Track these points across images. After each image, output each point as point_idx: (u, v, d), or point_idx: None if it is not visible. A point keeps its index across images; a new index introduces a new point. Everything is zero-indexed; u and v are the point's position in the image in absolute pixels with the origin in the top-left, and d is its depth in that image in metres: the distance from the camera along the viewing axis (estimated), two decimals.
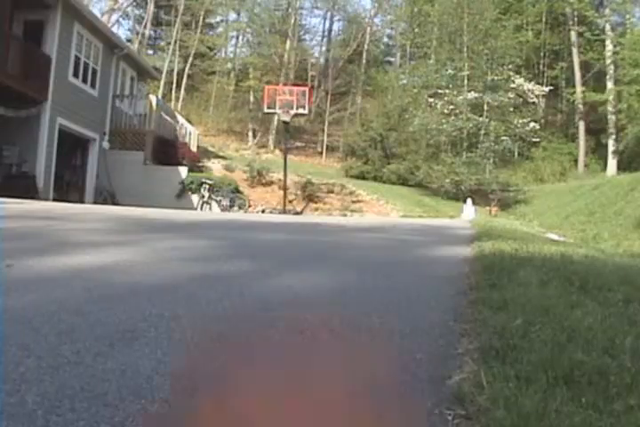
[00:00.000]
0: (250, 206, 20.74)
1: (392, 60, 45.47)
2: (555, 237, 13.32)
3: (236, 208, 19.58)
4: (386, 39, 46.38)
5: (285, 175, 21.19)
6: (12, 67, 12.65)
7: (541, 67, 38.54)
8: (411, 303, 2.32)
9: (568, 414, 1.10)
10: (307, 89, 23.87)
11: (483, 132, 29.15)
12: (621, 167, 30.70)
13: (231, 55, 42.84)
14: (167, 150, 19.37)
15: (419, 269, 3.50)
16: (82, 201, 15.25)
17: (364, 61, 41.56)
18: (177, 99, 35.15)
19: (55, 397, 1.13)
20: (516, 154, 33.15)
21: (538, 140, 31.85)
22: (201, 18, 36.87)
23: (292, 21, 39.56)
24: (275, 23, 39.11)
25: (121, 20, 36.68)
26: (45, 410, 1.07)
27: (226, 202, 19.52)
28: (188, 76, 36.72)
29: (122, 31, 39.22)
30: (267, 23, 39.24)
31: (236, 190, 21.30)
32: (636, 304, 2.30)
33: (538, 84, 32.76)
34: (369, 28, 42.43)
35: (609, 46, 32.46)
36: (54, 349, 1.43)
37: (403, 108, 32.50)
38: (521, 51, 33.56)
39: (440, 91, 29.55)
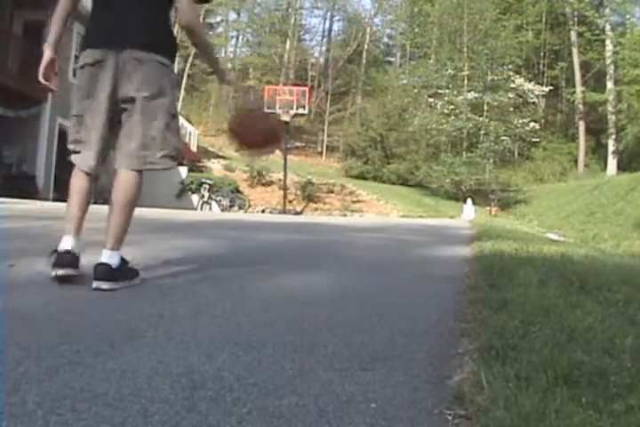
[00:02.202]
0: (250, 206, 20.75)
1: (392, 60, 45.51)
2: (555, 237, 13.34)
3: (235, 208, 19.59)
4: (386, 39, 46.45)
5: (285, 175, 21.21)
6: (12, 67, 12.65)
7: (541, 67, 38.56)
8: (410, 303, 2.32)
9: (568, 415, 1.10)
10: (307, 89, 23.92)
11: (483, 132, 29.17)
12: (621, 167, 30.73)
13: (231, 55, 42.86)
14: None
15: (418, 268, 3.51)
16: None
17: (364, 61, 41.56)
18: (177, 99, 35.10)
19: (55, 397, 1.13)
20: (516, 154, 33.19)
21: (538, 140, 31.87)
22: (201, 18, 36.91)
23: (292, 21, 39.55)
24: (275, 23, 39.08)
25: None
26: (46, 410, 1.07)
27: (226, 202, 19.53)
28: (188, 76, 36.76)
29: None
30: (267, 23, 39.24)
31: (236, 190, 21.31)
32: (636, 304, 2.30)
33: (538, 84, 32.79)
34: (369, 28, 42.44)
35: (609, 46, 32.48)
36: (54, 349, 1.43)
37: (403, 108, 32.54)
38: (521, 51, 33.59)
39: (440, 91, 29.57)
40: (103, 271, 2.11)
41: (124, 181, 2.23)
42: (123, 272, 2.19)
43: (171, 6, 2.30)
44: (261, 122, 2.60)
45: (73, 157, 2.33)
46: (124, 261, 2.22)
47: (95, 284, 2.09)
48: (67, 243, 2.20)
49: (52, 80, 2.35)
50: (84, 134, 2.28)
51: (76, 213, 2.29)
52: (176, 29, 2.79)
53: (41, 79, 2.32)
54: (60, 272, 2.13)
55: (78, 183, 2.32)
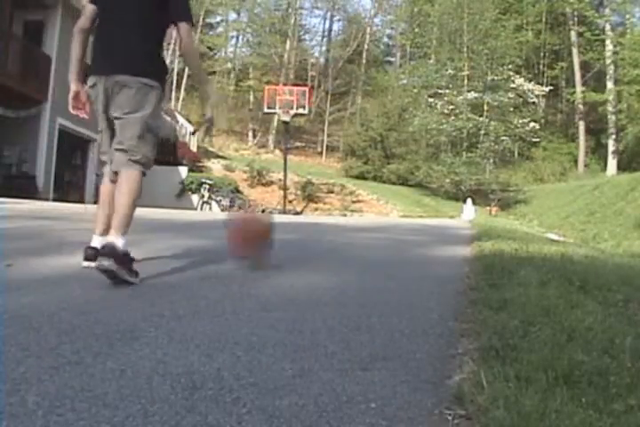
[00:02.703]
0: (250, 206, 20.72)
1: (392, 60, 45.48)
2: (555, 237, 13.34)
3: (235, 208, 19.58)
4: (386, 39, 46.42)
5: (285, 175, 21.18)
6: (12, 67, 12.64)
7: (541, 67, 38.52)
8: (410, 303, 2.32)
9: (568, 414, 1.10)
10: (307, 89, 23.88)
11: (483, 132, 29.13)
12: (621, 167, 30.70)
13: (231, 55, 42.80)
14: (167, 150, 19.32)
15: (418, 268, 3.50)
16: (82, 201, 15.23)
17: (364, 61, 41.51)
18: (177, 99, 35.15)
19: (55, 397, 1.13)
20: (516, 154, 33.17)
21: (538, 140, 31.83)
22: (201, 18, 36.88)
23: (292, 21, 39.52)
24: (275, 23, 39.05)
25: None
26: (46, 410, 1.07)
27: (226, 202, 19.52)
28: (188, 76, 36.67)
29: None
30: (267, 23, 39.22)
31: (236, 190, 21.31)
32: (636, 304, 2.30)
33: (538, 84, 32.75)
34: (369, 28, 42.41)
35: (609, 46, 32.45)
36: (54, 349, 1.43)
37: (403, 108, 32.50)
38: (521, 51, 33.56)
39: (440, 91, 29.54)
40: (107, 247, 2.28)
41: (119, 180, 2.50)
42: (125, 259, 2.34)
43: (162, 33, 2.63)
44: (248, 228, 2.93)
45: (104, 168, 2.70)
46: (129, 256, 2.39)
47: (98, 260, 2.26)
48: (93, 241, 2.62)
49: (83, 108, 2.69)
50: (105, 147, 2.68)
51: (100, 216, 2.66)
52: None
53: (71, 110, 2.68)
54: (85, 264, 2.57)
55: (104, 189, 2.67)
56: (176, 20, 2.55)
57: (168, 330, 1.67)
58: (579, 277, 2.83)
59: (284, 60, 38.07)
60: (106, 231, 2.60)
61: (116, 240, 2.33)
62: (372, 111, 34.63)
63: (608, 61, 32.17)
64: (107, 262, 2.23)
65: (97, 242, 2.60)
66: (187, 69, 35.80)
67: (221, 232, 3.11)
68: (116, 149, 2.54)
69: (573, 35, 35.12)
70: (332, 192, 25.20)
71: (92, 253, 2.55)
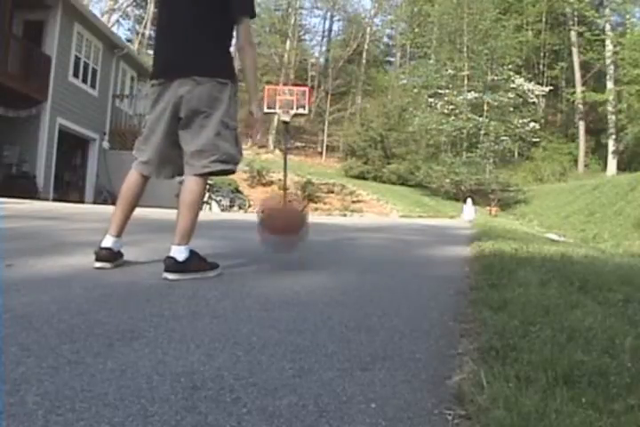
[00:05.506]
0: (250, 206, 20.70)
1: (392, 60, 45.49)
2: (555, 237, 13.34)
3: (235, 208, 19.57)
4: (386, 39, 46.41)
5: (285, 175, 21.13)
6: (12, 67, 12.63)
7: (541, 67, 38.53)
8: (410, 303, 2.32)
9: (568, 414, 1.10)
10: (307, 89, 23.83)
11: (483, 132, 29.12)
12: (621, 167, 30.72)
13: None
14: None
15: (418, 268, 3.50)
16: (82, 201, 15.23)
17: (363, 61, 41.50)
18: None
19: (55, 397, 1.13)
20: (516, 154, 33.17)
21: (538, 140, 31.83)
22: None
23: (292, 21, 39.51)
24: (275, 23, 39.02)
25: (121, 20, 36.71)
26: (45, 410, 1.07)
27: (226, 202, 19.51)
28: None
29: (122, 31, 39.33)
30: (267, 23, 39.18)
31: (236, 190, 21.29)
32: (636, 304, 2.30)
33: (538, 84, 32.76)
34: (369, 28, 42.38)
35: (609, 46, 32.47)
36: (54, 349, 1.43)
37: (403, 108, 32.50)
38: (521, 51, 33.56)
39: (440, 91, 29.53)
40: (168, 264, 2.43)
41: (186, 186, 2.54)
42: (190, 265, 2.46)
43: (230, 30, 2.60)
44: (282, 213, 2.93)
45: (134, 164, 2.68)
46: (195, 255, 2.50)
47: (163, 275, 2.42)
48: (107, 241, 2.57)
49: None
50: (143, 145, 2.69)
51: (118, 216, 2.62)
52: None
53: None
54: (98, 265, 2.53)
55: (128, 183, 2.65)
56: (234, 14, 2.53)
57: (168, 330, 1.67)
58: (579, 277, 2.83)
59: (284, 60, 38.05)
60: (120, 233, 2.60)
61: (176, 252, 2.44)
62: (372, 111, 34.62)
63: (608, 61, 32.20)
64: (172, 276, 2.40)
65: (109, 242, 2.56)
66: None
67: (220, 232, 3.11)
68: (192, 152, 2.52)
69: (573, 35, 35.14)
70: (332, 192, 25.20)
71: (105, 254, 2.54)
